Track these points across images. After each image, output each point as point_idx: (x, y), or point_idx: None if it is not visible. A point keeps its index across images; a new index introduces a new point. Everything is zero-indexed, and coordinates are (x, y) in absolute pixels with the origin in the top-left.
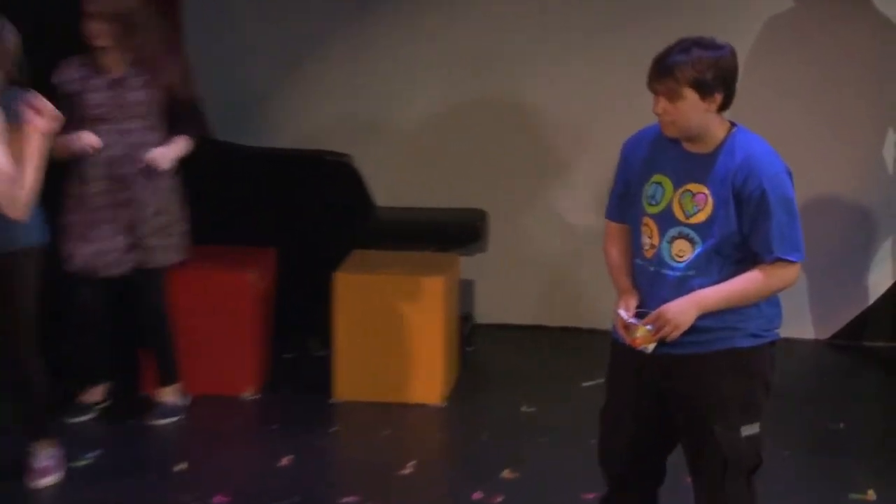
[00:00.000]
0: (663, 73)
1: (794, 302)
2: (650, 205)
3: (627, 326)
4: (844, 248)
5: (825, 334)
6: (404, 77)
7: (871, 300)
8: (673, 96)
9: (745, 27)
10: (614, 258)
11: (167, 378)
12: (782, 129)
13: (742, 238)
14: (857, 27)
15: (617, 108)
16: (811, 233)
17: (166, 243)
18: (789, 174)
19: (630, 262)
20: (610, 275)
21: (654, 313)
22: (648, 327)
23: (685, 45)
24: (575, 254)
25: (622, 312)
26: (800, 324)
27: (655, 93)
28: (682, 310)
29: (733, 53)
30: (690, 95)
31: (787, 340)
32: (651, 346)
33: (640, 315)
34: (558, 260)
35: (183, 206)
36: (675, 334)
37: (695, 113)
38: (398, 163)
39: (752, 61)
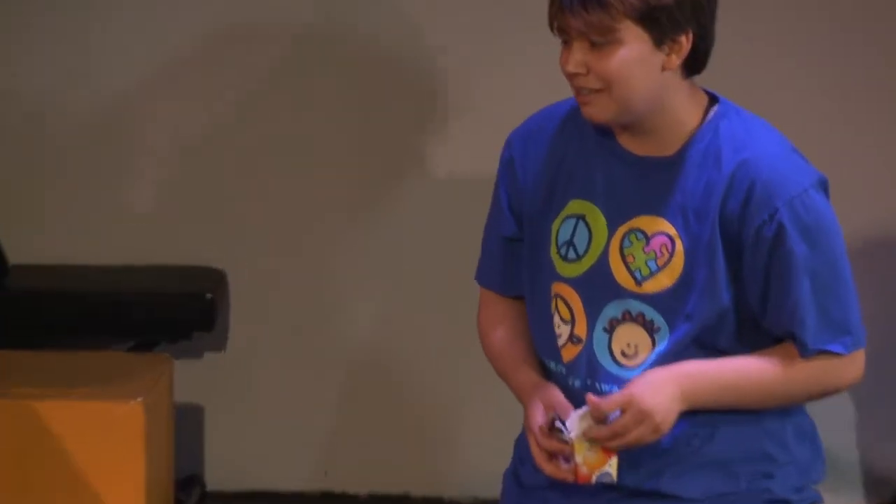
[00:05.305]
0: None
1: (828, 444)
2: (565, 260)
3: (555, 448)
4: None
5: (885, 496)
6: (67, 54)
7: None
8: (603, 38)
9: None
10: (499, 340)
11: None
12: (793, 119)
13: (745, 315)
14: None
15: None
16: None
17: None
18: (824, 186)
19: (529, 343)
20: (498, 372)
21: (615, 396)
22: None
23: None
24: (395, 341)
25: (556, 422)
26: (841, 480)
27: (568, 34)
28: (659, 398)
29: None
30: (635, 38)
31: None
32: (614, 471)
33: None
34: (365, 356)
35: None
36: (650, 439)
37: (643, 73)
38: (52, 191)
39: (740, 19)
